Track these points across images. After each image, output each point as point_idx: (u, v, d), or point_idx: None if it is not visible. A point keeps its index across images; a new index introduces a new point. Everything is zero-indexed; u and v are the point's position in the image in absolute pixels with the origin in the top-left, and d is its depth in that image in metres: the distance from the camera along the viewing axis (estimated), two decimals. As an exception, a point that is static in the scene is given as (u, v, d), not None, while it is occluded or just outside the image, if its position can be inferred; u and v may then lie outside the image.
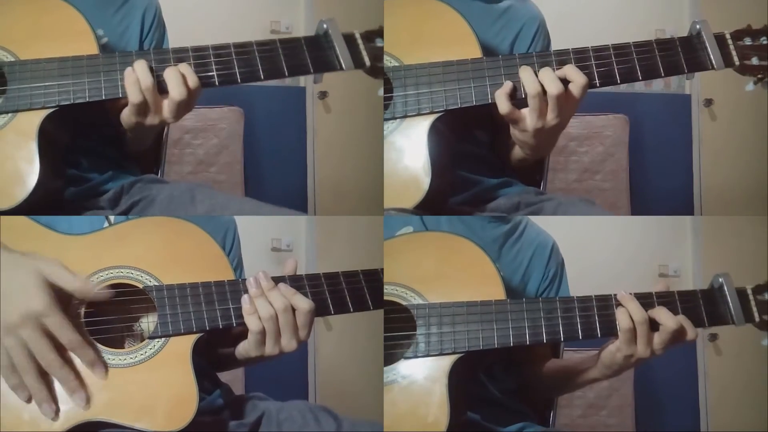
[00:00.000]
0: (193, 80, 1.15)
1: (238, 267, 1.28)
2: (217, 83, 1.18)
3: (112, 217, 1.19)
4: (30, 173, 1.13)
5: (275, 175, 2.42)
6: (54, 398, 1.03)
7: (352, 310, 1.18)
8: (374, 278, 1.19)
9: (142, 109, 1.15)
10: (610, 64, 1.19)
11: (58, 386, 1.03)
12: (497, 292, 1.16)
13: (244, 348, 1.14)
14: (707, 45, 1.20)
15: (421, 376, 1.13)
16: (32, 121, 1.14)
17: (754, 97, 2.11)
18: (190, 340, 1.09)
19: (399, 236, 1.23)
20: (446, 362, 1.13)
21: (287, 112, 2.45)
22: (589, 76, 1.17)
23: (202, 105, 2.30)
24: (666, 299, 1.15)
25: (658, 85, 2.45)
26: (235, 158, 2.37)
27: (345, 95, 2.43)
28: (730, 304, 1.17)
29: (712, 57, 1.20)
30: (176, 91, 1.14)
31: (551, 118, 1.16)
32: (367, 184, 2.26)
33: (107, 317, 1.09)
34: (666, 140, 2.44)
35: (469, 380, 1.20)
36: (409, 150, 1.19)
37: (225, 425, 1.18)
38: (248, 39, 1.20)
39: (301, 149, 2.44)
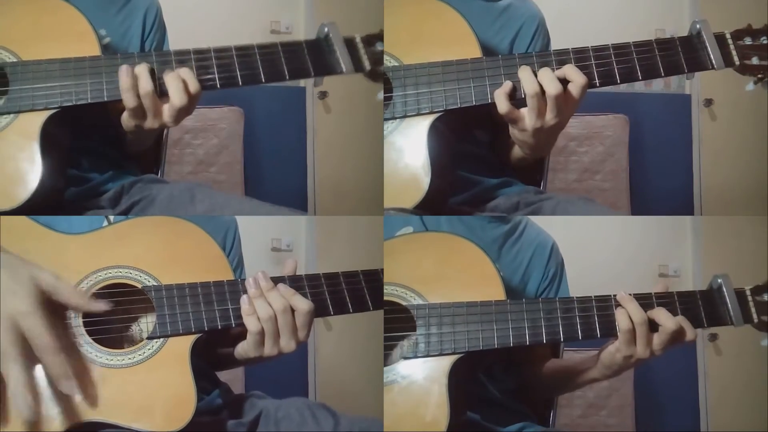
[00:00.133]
0: (194, 86, 1.15)
1: (238, 267, 1.28)
2: (218, 86, 1.18)
3: (111, 217, 1.19)
4: (32, 174, 1.13)
5: (275, 175, 2.42)
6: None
7: (351, 310, 1.18)
8: (374, 278, 1.19)
9: (139, 112, 1.15)
10: (610, 64, 1.19)
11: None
12: (497, 293, 1.16)
13: (243, 348, 1.14)
14: (707, 45, 1.20)
15: (421, 376, 1.13)
16: (34, 121, 1.14)
17: (754, 97, 2.11)
18: (188, 340, 1.09)
19: (399, 236, 1.23)
20: (446, 362, 1.13)
21: (287, 112, 2.45)
22: (589, 75, 1.17)
23: (202, 105, 2.30)
24: (665, 300, 1.15)
25: (658, 85, 2.45)
26: (235, 158, 2.37)
27: (345, 95, 2.43)
28: (729, 305, 1.17)
29: (712, 57, 1.20)
30: (177, 97, 1.14)
31: (550, 117, 1.16)
32: (367, 184, 2.26)
33: (106, 317, 1.08)
34: (666, 140, 2.43)
35: (469, 380, 1.20)
36: (409, 150, 1.19)
37: (224, 425, 1.18)
38: (248, 39, 1.20)
39: (301, 149, 2.44)
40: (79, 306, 1.03)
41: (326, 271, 1.17)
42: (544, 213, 1.31)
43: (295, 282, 1.14)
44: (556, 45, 1.30)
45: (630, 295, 1.14)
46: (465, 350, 1.13)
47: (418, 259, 1.20)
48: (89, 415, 1.03)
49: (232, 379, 2.01)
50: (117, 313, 1.10)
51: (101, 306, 1.04)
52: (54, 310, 1.01)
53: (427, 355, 1.13)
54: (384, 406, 1.12)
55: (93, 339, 1.06)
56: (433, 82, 1.20)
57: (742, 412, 2.25)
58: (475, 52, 1.21)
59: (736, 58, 1.20)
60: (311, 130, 2.45)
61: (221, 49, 1.18)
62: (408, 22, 1.25)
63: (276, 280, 1.13)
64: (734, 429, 2.27)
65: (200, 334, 1.10)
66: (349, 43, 1.23)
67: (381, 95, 1.21)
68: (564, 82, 1.15)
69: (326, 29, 1.22)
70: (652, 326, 1.13)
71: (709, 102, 2.40)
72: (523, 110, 1.17)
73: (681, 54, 1.20)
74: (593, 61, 1.19)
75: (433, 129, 1.19)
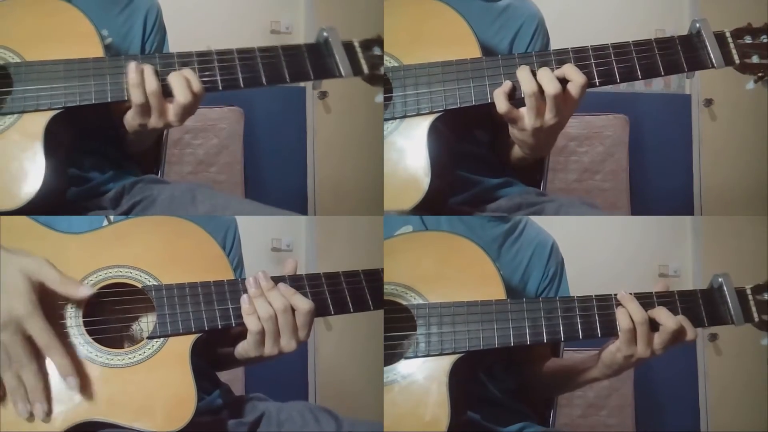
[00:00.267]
0: (197, 85, 1.16)
1: (238, 266, 1.28)
2: (220, 87, 1.19)
3: (111, 217, 1.19)
4: (35, 174, 1.13)
5: (275, 175, 2.42)
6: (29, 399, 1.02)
7: (352, 310, 1.18)
8: (375, 278, 1.19)
9: (145, 110, 1.15)
10: (610, 63, 1.19)
11: (55, 387, 1.03)
12: (497, 292, 1.16)
13: (244, 348, 1.14)
14: (707, 43, 1.20)
15: (422, 375, 1.13)
16: (38, 122, 1.14)
17: (755, 97, 2.11)
18: (189, 340, 1.09)
19: (399, 236, 1.23)
20: (446, 362, 1.13)
21: (287, 112, 2.45)
22: (589, 75, 1.17)
23: (202, 105, 2.28)
24: (666, 299, 1.15)
25: (658, 85, 2.45)
26: (235, 158, 2.37)
27: (345, 96, 2.43)
28: (730, 304, 1.17)
29: (712, 55, 1.20)
30: (182, 95, 1.14)
31: (549, 117, 1.16)
32: (367, 185, 2.26)
33: (106, 317, 1.09)
34: (666, 140, 2.43)
35: (469, 380, 1.20)
36: (409, 150, 1.19)
37: (224, 425, 1.18)
38: (248, 39, 1.21)
39: (301, 149, 2.44)
40: (70, 291, 1.03)
41: (326, 271, 1.18)
42: (546, 215, 1.31)
43: (296, 281, 1.14)
44: (555, 45, 1.29)
45: (631, 294, 1.14)
46: (465, 350, 1.13)
47: (418, 259, 1.20)
48: (89, 414, 1.03)
49: (232, 379, 2.01)
50: (117, 313, 1.10)
51: (91, 290, 1.05)
52: (47, 302, 1.02)
53: (428, 355, 1.13)
54: (384, 405, 1.12)
55: (93, 338, 1.06)
56: (433, 83, 1.20)
57: (742, 412, 2.25)
58: (475, 52, 1.21)
59: (736, 57, 1.20)
60: (311, 130, 2.45)
61: (223, 51, 1.20)
62: (408, 22, 1.25)
63: (276, 280, 1.13)
64: (734, 429, 2.27)
65: (200, 334, 1.10)
66: (348, 48, 1.24)
67: (380, 98, 1.22)
68: (563, 81, 1.15)
69: (325, 34, 1.23)
70: (653, 326, 1.13)
71: (709, 102, 2.41)
72: (523, 110, 1.17)
73: (681, 53, 1.20)
74: (593, 61, 1.19)
75: (433, 129, 1.19)
